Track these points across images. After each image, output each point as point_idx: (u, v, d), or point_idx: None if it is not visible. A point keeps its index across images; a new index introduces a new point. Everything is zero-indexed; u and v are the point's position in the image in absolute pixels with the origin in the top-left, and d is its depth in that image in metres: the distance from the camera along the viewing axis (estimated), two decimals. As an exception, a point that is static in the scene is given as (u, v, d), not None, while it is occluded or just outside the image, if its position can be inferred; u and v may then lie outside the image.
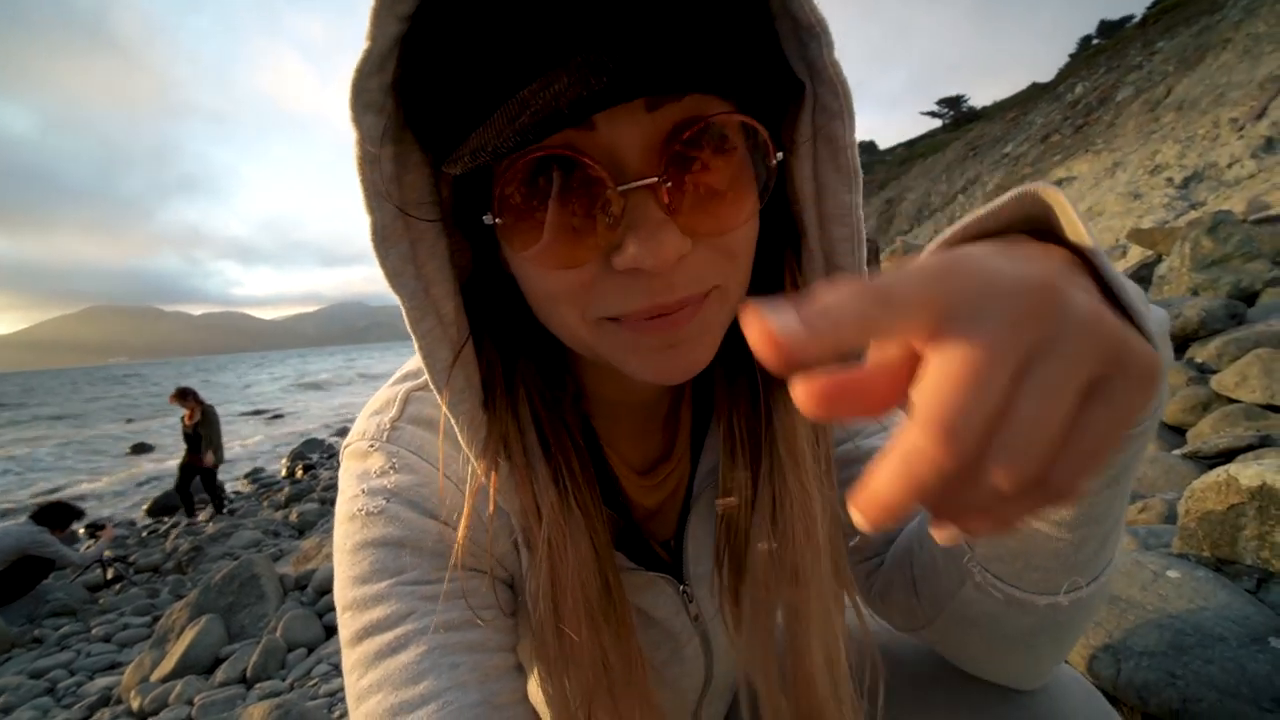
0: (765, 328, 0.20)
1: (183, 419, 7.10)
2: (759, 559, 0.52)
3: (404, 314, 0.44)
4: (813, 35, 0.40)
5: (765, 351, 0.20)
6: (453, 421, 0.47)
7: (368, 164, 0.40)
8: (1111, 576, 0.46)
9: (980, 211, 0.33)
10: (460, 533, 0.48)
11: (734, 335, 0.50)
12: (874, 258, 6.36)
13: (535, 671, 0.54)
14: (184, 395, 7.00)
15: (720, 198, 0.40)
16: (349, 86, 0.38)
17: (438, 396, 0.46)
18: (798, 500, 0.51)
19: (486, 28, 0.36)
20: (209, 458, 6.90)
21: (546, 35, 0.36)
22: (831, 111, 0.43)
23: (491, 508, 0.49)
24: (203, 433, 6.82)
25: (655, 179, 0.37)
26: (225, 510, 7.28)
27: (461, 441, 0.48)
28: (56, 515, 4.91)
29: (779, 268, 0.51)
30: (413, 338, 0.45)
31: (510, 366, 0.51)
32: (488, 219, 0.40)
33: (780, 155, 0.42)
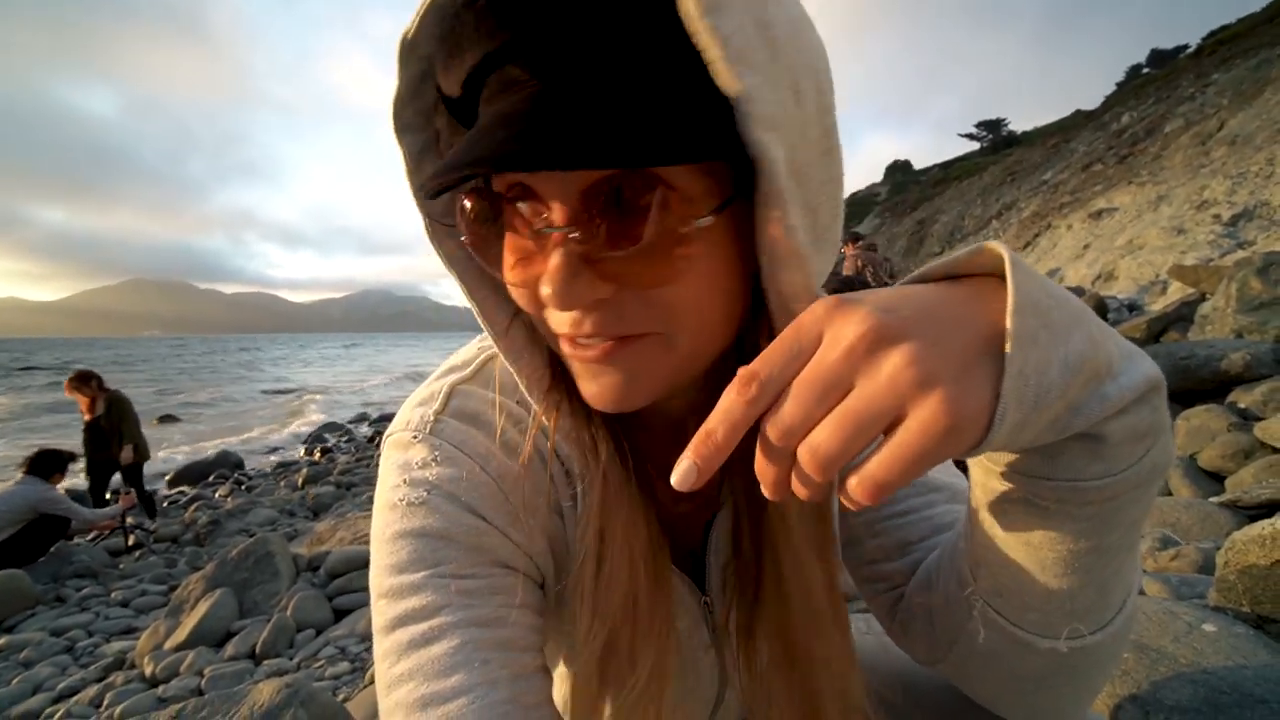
0: (686, 480, 0.33)
1: (83, 411, 5.82)
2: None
3: (460, 287, 0.48)
4: (736, 107, 0.36)
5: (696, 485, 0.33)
6: (514, 372, 0.50)
7: (412, 173, 0.46)
8: (1123, 630, 0.44)
9: (945, 261, 0.36)
10: (521, 463, 0.51)
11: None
12: (891, 276, 6.28)
13: (559, 659, 0.55)
14: (84, 381, 5.78)
15: (637, 252, 0.39)
16: (390, 114, 0.45)
17: (498, 348, 0.50)
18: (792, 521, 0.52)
19: (457, 71, 0.41)
20: (126, 453, 5.72)
21: (485, 82, 0.40)
22: (763, 194, 0.38)
23: (551, 452, 0.51)
24: (104, 425, 5.67)
25: (565, 229, 0.39)
26: (154, 522, 5.95)
27: (522, 386, 0.50)
28: (48, 463, 4.91)
29: (757, 316, 0.47)
30: (471, 304, 0.48)
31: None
32: (462, 238, 0.45)
33: (707, 219, 0.38)
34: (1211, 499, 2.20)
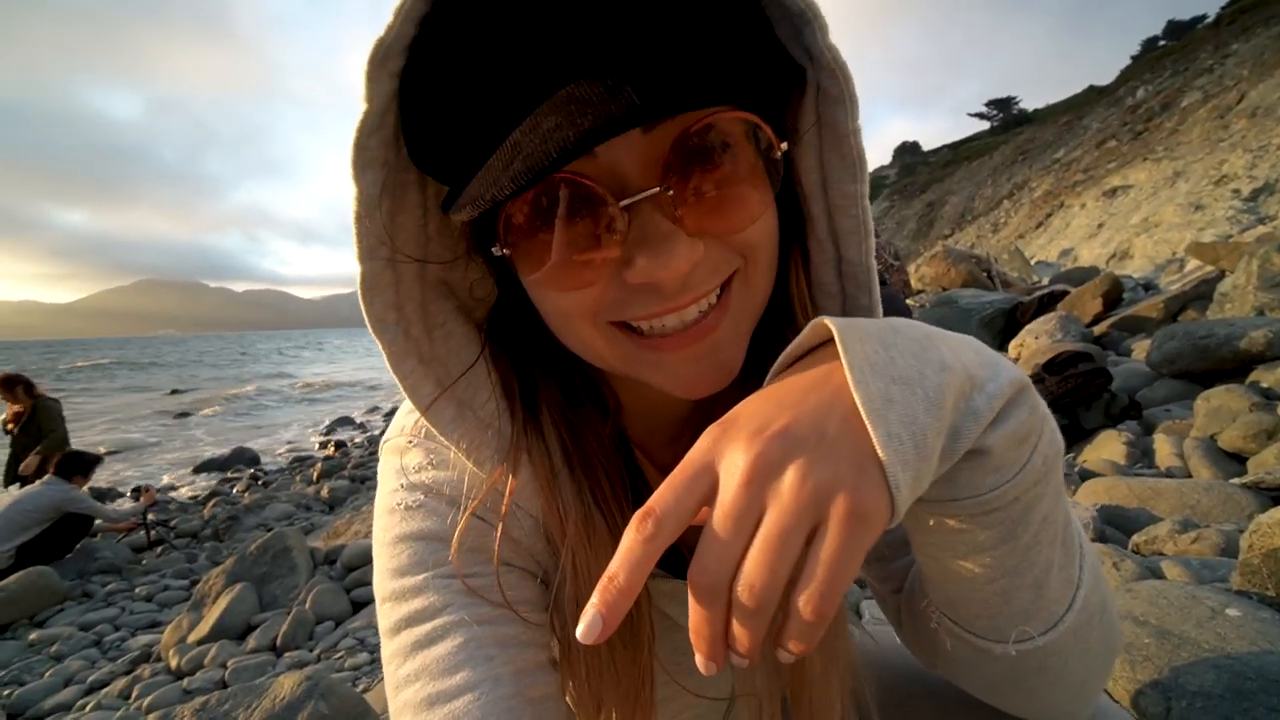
0: (590, 634, 0.31)
1: (4, 419, 5.37)
2: None
3: (385, 358, 0.46)
4: (805, 21, 0.39)
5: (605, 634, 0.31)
6: (450, 445, 0.48)
7: (366, 217, 0.41)
8: (1079, 626, 0.44)
9: (792, 345, 0.39)
10: (497, 532, 0.49)
11: (767, 342, 0.49)
12: (895, 259, 6.15)
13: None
14: (9, 386, 5.28)
15: (727, 198, 0.40)
16: (351, 147, 0.39)
17: (428, 423, 0.48)
18: None
19: (474, 70, 0.37)
20: (30, 462, 5.26)
21: (532, 70, 0.36)
22: (832, 97, 0.42)
23: (505, 508, 0.49)
24: (26, 432, 5.25)
25: (657, 189, 0.37)
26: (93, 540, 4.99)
27: (461, 456, 0.49)
28: (75, 464, 4.97)
29: (785, 260, 0.50)
30: (395, 378, 0.47)
31: (530, 386, 0.53)
32: (496, 250, 0.42)
33: (785, 146, 0.41)
34: (1233, 480, 2.17)
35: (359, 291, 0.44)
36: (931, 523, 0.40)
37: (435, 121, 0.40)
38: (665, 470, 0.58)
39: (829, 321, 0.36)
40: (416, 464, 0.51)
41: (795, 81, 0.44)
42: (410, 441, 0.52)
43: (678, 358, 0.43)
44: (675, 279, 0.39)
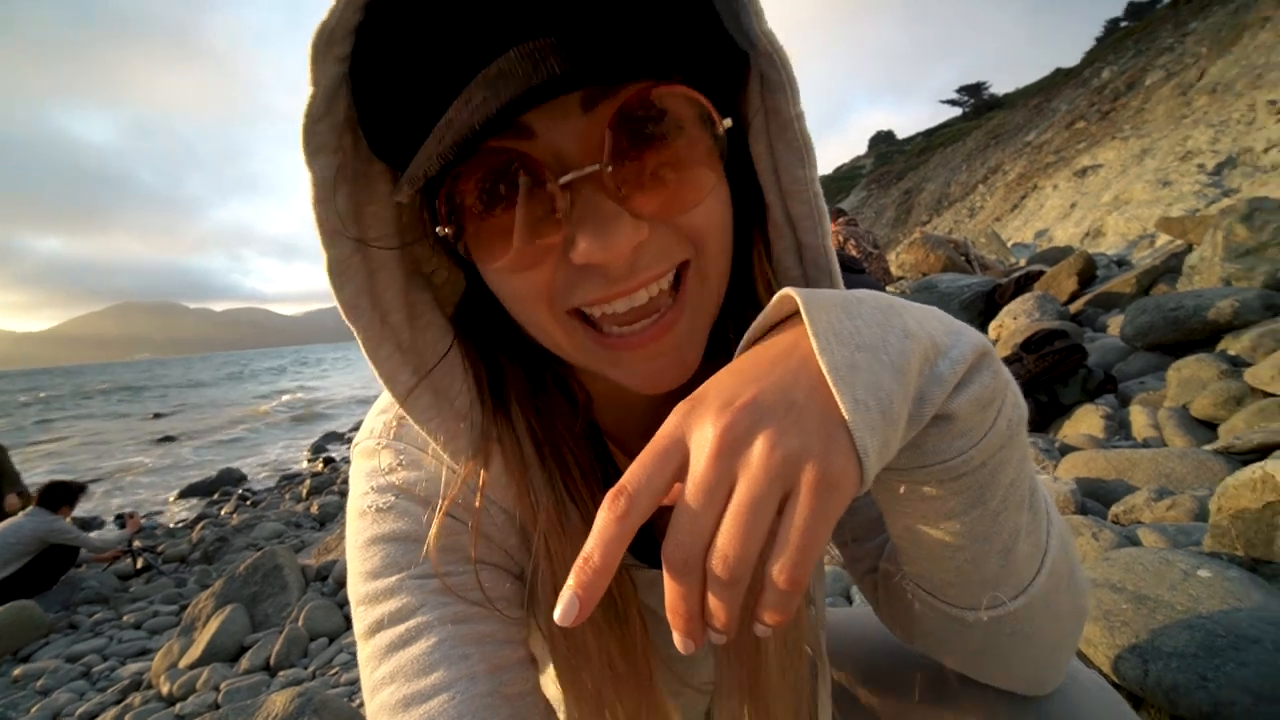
0: (567, 617, 0.31)
1: None
2: None
3: (360, 343, 0.45)
4: (740, 6, 0.39)
5: (583, 615, 0.31)
6: (426, 435, 0.48)
7: (321, 203, 0.41)
8: (1049, 590, 0.45)
9: (758, 320, 0.39)
10: (473, 528, 0.49)
11: (733, 328, 0.50)
12: (875, 247, 6.22)
13: (550, 666, 0.54)
14: None
15: (670, 176, 0.40)
16: (300, 132, 0.39)
17: (405, 413, 0.48)
18: None
19: (415, 51, 0.38)
20: (11, 500, 5.34)
21: (466, 48, 0.36)
22: (773, 83, 0.43)
23: (478, 502, 0.49)
24: None
25: (596, 167, 0.37)
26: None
27: (437, 447, 0.49)
28: (59, 494, 4.91)
29: (748, 246, 0.50)
30: (370, 364, 0.46)
31: (498, 377, 0.52)
32: (440, 231, 0.41)
33: (729, 122, 0.41)
34: (1205, 447, 2.22)
35: (326, 277, 0.43)
36: (902, 490, 0.40)
37: (384, 105, 0.40)
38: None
39: (793, 292, 0.36)
40: (387, 465, 0.51)
41: (736, 70, 0.45)
42: (379, 443, 0.52)
43: (636, 356, 0.44)
44: (619, 260, 0.39)
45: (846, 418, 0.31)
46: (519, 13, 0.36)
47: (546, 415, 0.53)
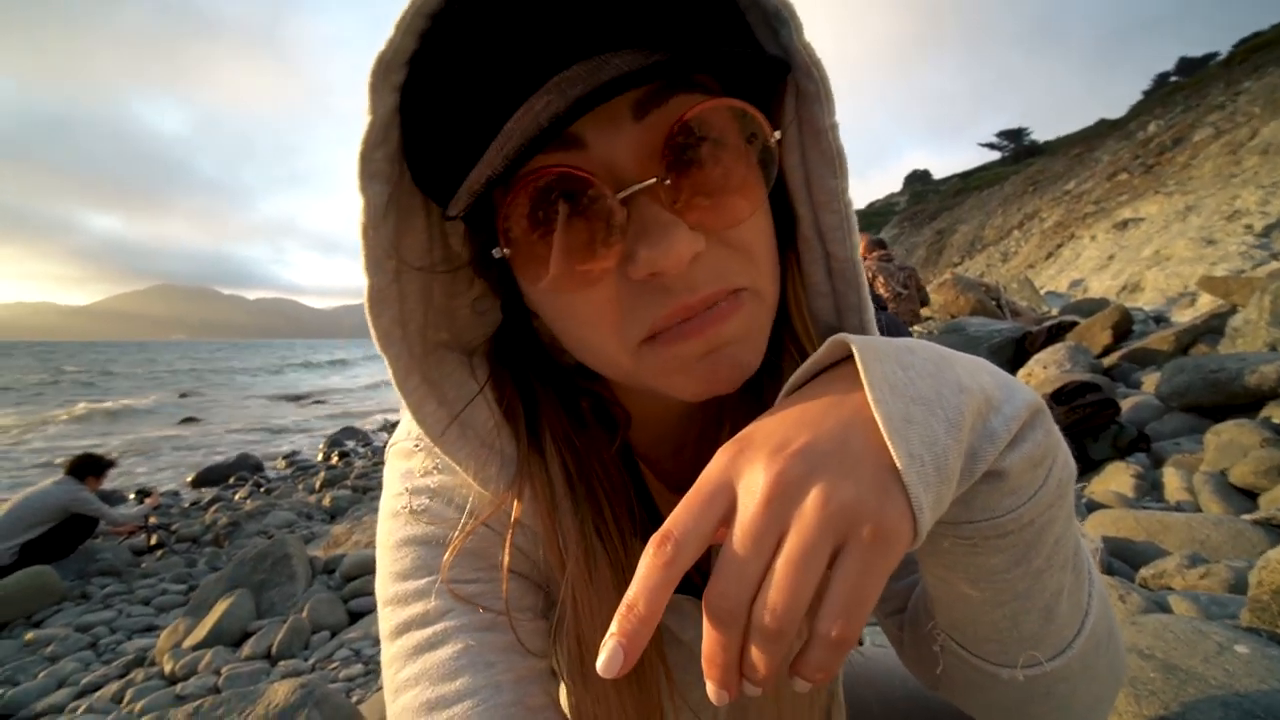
0: (611, 667, 0.30)
1: None
2: None
3: (390, 374, 0.45)
4: (781, 21, 0.40)
5: (628, 665, 0.30)
6: (459, 470, 0.48)
7: (372, 229, 0.41)
8: (1088, 654, 0.43)
9: (807, 363, 0.39)
10: (507, 540, 0.48)
11: (772, 356, 0.49)
12: (904, 288, 5.98)
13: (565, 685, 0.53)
14: None
15: (725, 188, 0.40)
16: (357, 159, 0.40)
17: (437, 448, 0.48)
18: None
19: (470, 75, 0.39)
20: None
21: (525, 67, 0.37)
22: (809, 95, 0.43)
23: (512, 522, 0.49)
24: None
25: (654, 180, 0.38)
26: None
27: (471, 481, 0.48)
28: (88, 466, 5.05)
29: (783, 269, 0.50)
30: (399, 394, 0.46)
31: (532, 406, 0.52)
32: (496, 253, 0.41)
33: (779, 134, 0.42)
34: (1244, 516, 2.13)
35: (365, 305, 0.44)
36: (946, 544, 0.39)
37: (434, 133, 0.41)
38: (670, 482, 0.59)
39: (848, 339, 0.36)
40: (422, 468, 0.51)
41: (773, 83, 0.46)
42: (416, 445, 0.52)
43: (693, 345, 0.41)
44: (678, 266, 0.38)
45: (901, 471, 0.31)
46: (575, 33, 0.37)
47: (582, 451, 0.52)
